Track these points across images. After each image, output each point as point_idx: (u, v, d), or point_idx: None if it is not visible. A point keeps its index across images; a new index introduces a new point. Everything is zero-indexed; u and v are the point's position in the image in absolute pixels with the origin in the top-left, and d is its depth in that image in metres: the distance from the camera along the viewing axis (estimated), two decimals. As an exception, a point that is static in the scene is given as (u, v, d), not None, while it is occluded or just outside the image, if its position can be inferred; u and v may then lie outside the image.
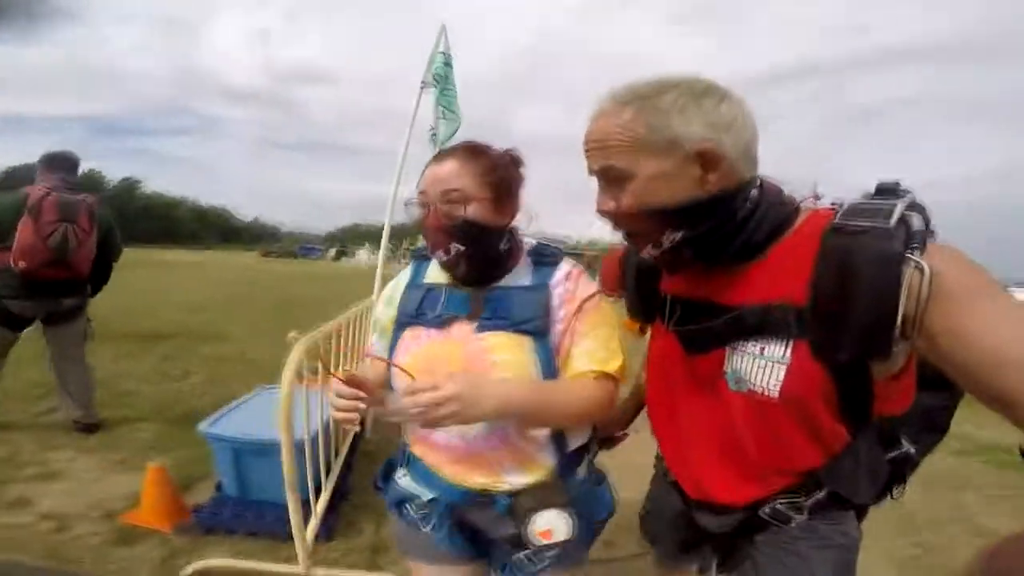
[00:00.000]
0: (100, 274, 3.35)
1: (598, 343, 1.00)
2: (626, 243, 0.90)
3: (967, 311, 0.63)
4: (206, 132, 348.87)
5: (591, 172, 0.82)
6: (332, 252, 67.21)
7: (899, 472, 0.87)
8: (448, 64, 3.77)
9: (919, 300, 0.64)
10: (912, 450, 0.83)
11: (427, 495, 1.06)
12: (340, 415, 0.95)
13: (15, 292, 2.98)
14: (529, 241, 1.10)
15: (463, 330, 1.01)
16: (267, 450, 2.08)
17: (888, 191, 0.73)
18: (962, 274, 0.65)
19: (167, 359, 5.35)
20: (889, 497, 0.91)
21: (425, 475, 1.07)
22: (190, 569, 1.95)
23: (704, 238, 0.78)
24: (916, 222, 0.67)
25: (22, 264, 2.89)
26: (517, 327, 0.98)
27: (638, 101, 0.75)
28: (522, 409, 0.93)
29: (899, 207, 0.68)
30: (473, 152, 1.01)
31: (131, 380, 4.50)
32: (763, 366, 0.77)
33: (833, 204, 0.79)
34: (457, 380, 0.86)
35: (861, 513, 0.91)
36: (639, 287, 1.01)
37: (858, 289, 0.67)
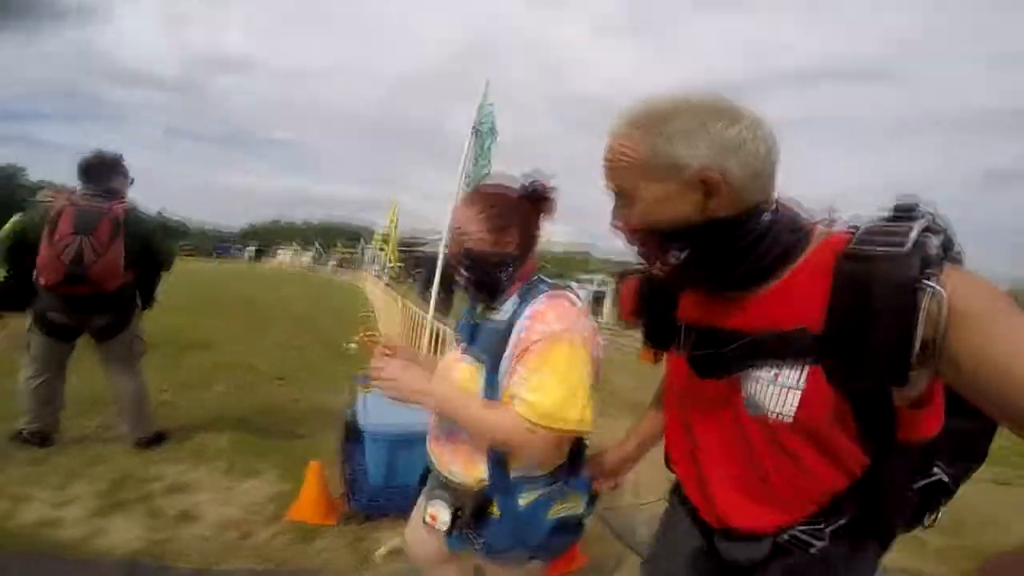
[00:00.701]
0: (145, 286, 3.21)
1: (528, 385, 1.09)
2: (641, 264, 0.91)
3: (986, 335, 0.63)
4: (106, 119, 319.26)
5: (606, 188, 0.86)
6: (250, 251, 63.57)
7: (931, 500, 0.87)
8: (494, 116, 4.36)
9: (937, 326, 0.64)
10: (945, 477, 0.84)
11: (427, 457, 1.34)
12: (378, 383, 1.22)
13: (50, 305, 2.94)
14: (539, 277, 1.26)
15: (458, 353, 1.28)
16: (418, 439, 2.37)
17: (905, 212, 0.73)
18: (979, 297, 0.65)
19: (163, 368, 4.86)
20: (921, 526, 0.91)
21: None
22: (384, 550, 2.27)
23: (710, 260, 0.80)
24: (932, 245, 0.67)
25: (42, 280, 2.82)
26: (475, 358, 1.21)
27: (647, 124, 0.78)
28: (438, 406, 1.19)
29: (915, 230, 0.68)
30: (473, 195, 1.28)
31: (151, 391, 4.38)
32: (777, 392, 0.78)
33: (849, 227, 0.78)
34: (403, 367, 1.17)
35: (887, 541, 0.90)
36: (655, 314, 1.03)
37: (874, 316, 0.67)
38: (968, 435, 0.86)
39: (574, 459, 1.26)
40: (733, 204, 0.77)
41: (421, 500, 1.37)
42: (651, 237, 0.81)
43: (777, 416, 0.78)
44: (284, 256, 59.20)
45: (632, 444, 1.27)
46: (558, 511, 1.20)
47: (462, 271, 1.24)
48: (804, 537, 0.83)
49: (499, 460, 1.17)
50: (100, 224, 2.87)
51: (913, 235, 0.67)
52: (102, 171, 3.06)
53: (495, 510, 1.17)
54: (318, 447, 3.42)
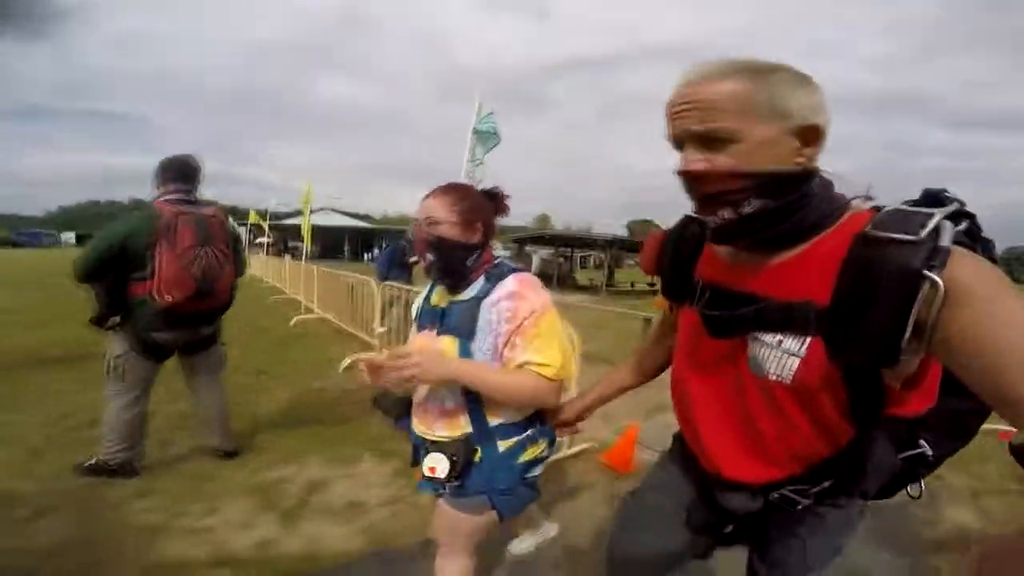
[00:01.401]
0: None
1: (534, 351, 1.29)
2: (696, 210, 0.88)
3: (979, 316, 0.64)
4: None
5: (679, 133, 0.83)
6: (69, 237, 54.59)
7: (912, 471, 0.90)
8: (494, 122, 5.05)
9: (931, 310, 0.65)
10: (929, 451, 0.86)
11: (412, 436, 1.49)
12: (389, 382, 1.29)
13: (156, 324, 2.63)
14: (501, 261, 1.43)
15: (431, 334, 1.42)
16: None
17: (933, 198, 0.75)
18: (979, 282, 0.66)
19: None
20: (906, 494, 0.95)
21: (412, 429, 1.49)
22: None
23: (778, 211, 0.81)
24: (946, 234, 0.67)
25: (169, 298, 2.53)
26: (451, 332, 1.36)
27: (751, 73, 0.78)
28: (464, 380, 1.29)
29: (935, 218, 0.68)
30: (447, 188, 1.39)
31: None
32: (779, 356, 0.82)
33: (874, 207, 0.80)
34: (423, 353, 1.26)
35: (867, 500, 0.98)
36: (675, 269, 1.06)
37: (874, 300, 0.69)
38: (959, 415, 0.87)
39: (540, 409, 1.44)
40: (813, 159, 0.81)
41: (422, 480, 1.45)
42: (738, 180, 0.80)
43: (776, 378, 0.83)
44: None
45: (590, 398, 1.41)
46: (529, 454, 1.39)
47: (430, 256, 1.36)
48: (791, 496, 0.91)
49: (480, 413, 1.35)
50: (216, 232, 2.69)
51: (931, 224, 0.68)
52: (196, 173, 2.77)
53: (478, 456, 1.35)
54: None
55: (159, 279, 2.51)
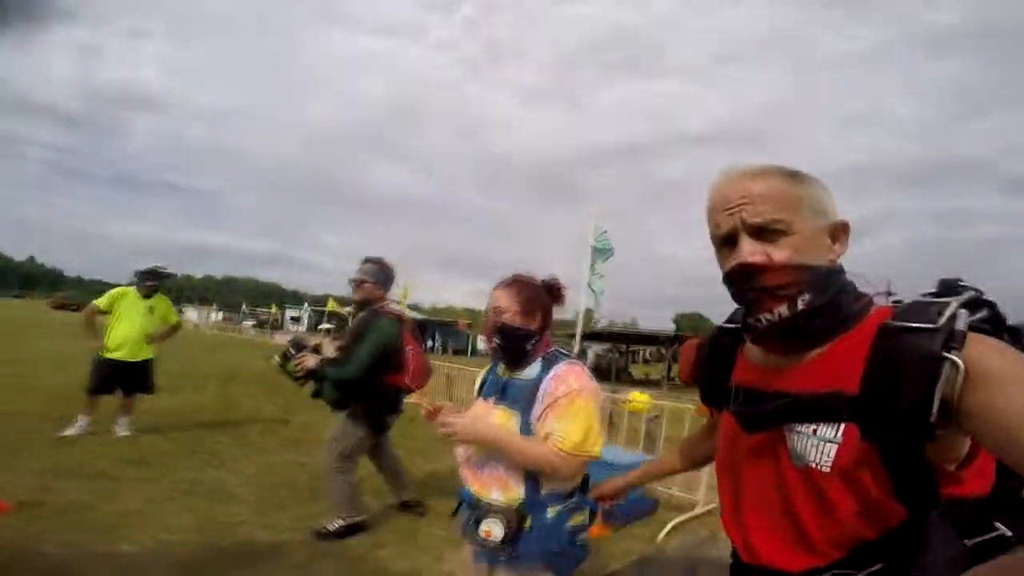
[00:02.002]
0: None
1: (560, 426, 1.47)
2: (748, 307, 0.90)
3: (1000, 392, 0.67)
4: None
5: (736, 226, 0.87)
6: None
7: (988, 555, 0.85)
8: (608, 239, 5.93)
9: (955, 390, 0.69)
10: (1009, 533, 0.83)
11: (462, 495, 1.65)
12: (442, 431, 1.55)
13: (393, 408, 3.33)
14: (556, 349, 1.65)
15: (490, 403, 1.62)
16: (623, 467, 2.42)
17: (948, 287, 0.80)
18: (997, 361, 0.70)
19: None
20: None
21: (463, 483, 1.64)
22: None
23: (823, 308, 0.85)
24: (961, 320, 0.72)
25: (415, 386, 3.17)
26: (509, 405, 1.56)
27: (788, 173, 0.87)
28: (494, 442, 1.49)
29: (952, 306, 0.73)
30: (511, 281, 1.63)
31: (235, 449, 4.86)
32: (816, 444, 0.84)
33: (894, 302, 0.86)
34: (464, 416, 1.51)
35: None
36: (711, 377, 1.10)
37: (900, 382, 0.73)
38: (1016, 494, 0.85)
39: (583, 482, 1.62)
40: (841, 255, 0.89)
41: (464, 546, 1.67)
42: (795, 273, 0.84)
43: (817, 466, 0.83)
44: (191, 314, 55.09)
45: (632, 476, 1.52)
46: (574, 521, 1.54)
47: (496, 340, 1.60)
48: None
49: (534, 482, 1.50)
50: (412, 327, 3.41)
51: (948, 312, 0.72)
52: (395, 277, 3.47)
53: (528, 524, 1.48)
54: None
55: (411, 371, 3.20)
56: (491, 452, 1.52)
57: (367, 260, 3.38)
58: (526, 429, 1.51)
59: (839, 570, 0.86)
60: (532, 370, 1.58)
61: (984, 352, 0.71)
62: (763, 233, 0.85)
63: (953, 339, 0.71)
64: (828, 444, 0.83)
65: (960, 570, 0.83)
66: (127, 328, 5.07)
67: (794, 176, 0.87)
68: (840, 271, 0.89)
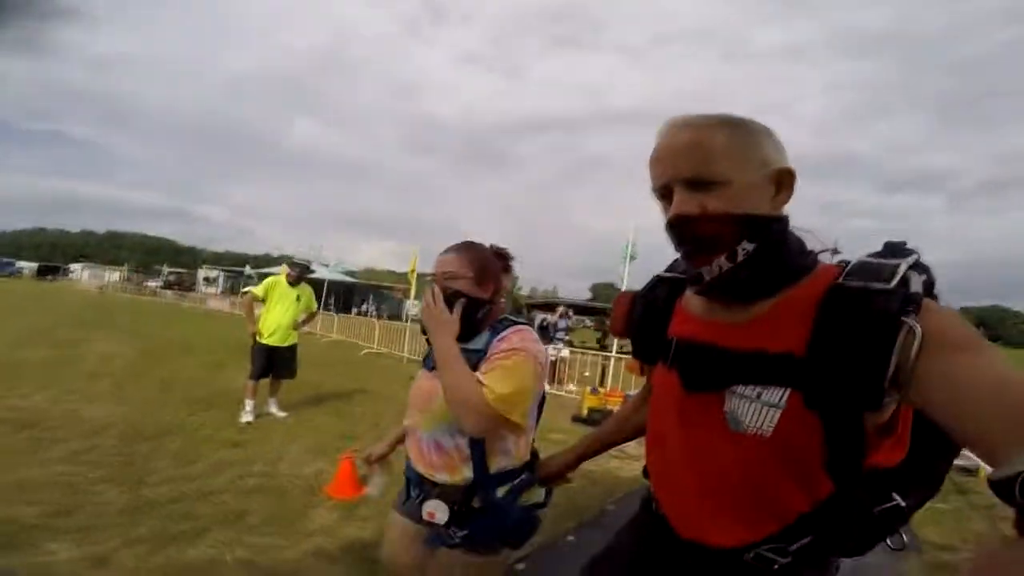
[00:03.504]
0: None
1: (491, 377, 1.33)
2: (688, 260, 0.90)
3: (952, 362, 0.68)
4: None
5: (670, 180, 0.86)
6: (31, 267, 52.28)
7: (889, 525, 0.90)
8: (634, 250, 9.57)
9: (909, 356, 0.69)
10: (903, 503, 0.86)
11: (406, 471, 1.57)
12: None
13: None
14: (505, 316, 1.54)
15: (434, 375, 1.46)
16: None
17: (895, 249, 0.80)
18: (950, 331, 0.70)
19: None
20: (887, 547, 0.94)
21: (408, 462, 1.56)
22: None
23: (765, 257, 0.83)
24: (915, 283, 0.73)
25: None
26: None
27: (732, 123, 0.85)
28: (441, 349, 1.37)
29: (902, 267, 0.74)
30: (464, 246, 1.52)
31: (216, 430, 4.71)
32: (759, 409, 0.82)
33: (841, 262, 0.85)
34: (445, 313, 1.40)
35: (845, 557, 0.95)
36: (646, 330, 1.07)
37: (854, 345, 0.72)
38: (926, 466, 0.88)
39: (534, 458, 1.53)
40: (785, 204, 0.87)
41: (394, 515, 1.61)
42: (730, 223, 0.82)
43: (756, 431, 0.82)
44: (78, 274, 49.85)
45: (574, 453, 1.45)
46: (526, 499, 1.46)
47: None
48: (768, 555, 0.87)
49: (481, 460, 1.41)
50: None
51: (900, 272, 0.73)
52: None
53: (476, 503, 1.41)
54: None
55: None
56: (438, 427, 1.44)
57: None
58: None
59: (771, 544, 0.86)
60: (480, 339, 1.48)
61: (942, 319, 0.71)
62: (698, 184, 0.83)
63: (909, 301, 0.71)
64: (772, 409, 0.81)
65: (868, 539, 0.91)
66: (279, 315, 5.47)
67: (732, 124, 0.85)
68: (783, 220, 0.87)
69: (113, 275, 47.40)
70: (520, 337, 1.45)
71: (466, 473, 1.43)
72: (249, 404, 5.34)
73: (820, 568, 0.93)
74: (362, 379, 8.77)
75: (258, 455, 4.19)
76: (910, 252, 0.79)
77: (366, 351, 12.95)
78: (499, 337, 1.45)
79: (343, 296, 43.73)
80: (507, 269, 1.64)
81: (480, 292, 1.49)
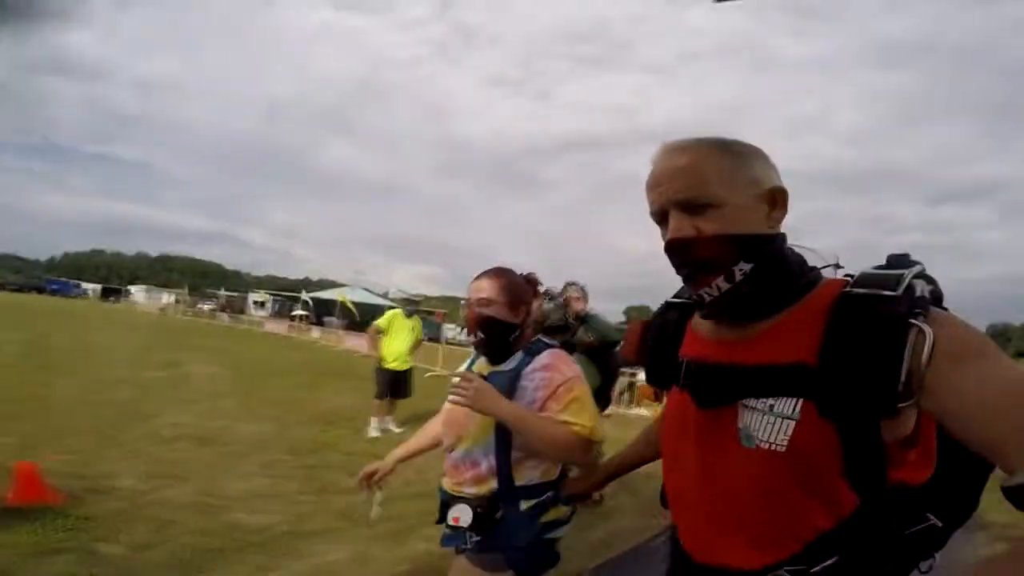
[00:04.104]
0: None
1: (570, 414, 1.41)
2: (688, 282, 0.90)
3: (965, 369, 0.68)
4: None
5: (665, 203, 0.87)
6: (95, 289, 55.13)
7: (923, 547, 0.87)
8: None
9: (921, 360, 0.68)
10: (939, 523, 0.84)
11: (440, 494, 1.60)
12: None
13: None
14: (538, 339, 1.59)
15: None
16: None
17: (898, 262, 0.81)
18: (961, 337, 0.71)
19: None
20: (918, 571, 0.90)
21: (442, 486, 1.60)
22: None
23: (763, 275, 0.83)
24: (920, 290, 0.73)
25: None
26: None
27: (720, 145, 0.86)
28: (508, 418, 1.39)
29: (907, 276, 0.74)
30: (496, 272, 1.58)
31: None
32: (772, 422, 0.80)
33: (847, 275, 0.85)
34: (482, 385, 1.42)
35: None
36: (659, 355, 1.06)
37: (865, 350, 0.72)
38: (959, 485, 0.86)
39: (563, 475, 1.55)
40: (780, 222, 0.87)
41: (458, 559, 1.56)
42: (726, 244, 0.83)
43: (769, 446, 0.79)
44: (139, 296, 52.51)
45: (603, 472, 1.44)
46: (551, 515, 1.48)
47: (479, 333, 1.54)
48: None
49: (507, 473, 1.45)
50: None
51: (906, 280, 0.74)
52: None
53: (500, 514, 1.45)
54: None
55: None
56: (476, 446, 1.50)
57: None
58: (501, 427, 1.46)
59: (793, 566, 0.82)
60: (512, 360, 1.54)
61: (951, 326, 0.71)
62: (692, 207, 0.84)
63: (916, 305, 0.71)
64: (785, 421, 0.79)
65: (901, 563, 0.87)
66: (399, 343, 6.13)
67: (722, 146, 0.86)
68: (780, 238, 0.87)
69: (169, 297, 49.66)
70: (566, 363, 1.52)
71: (492, 485, 1.48)
72: (375, 421, 5.94)
73: None
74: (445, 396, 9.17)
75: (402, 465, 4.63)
76: (914, 263, 0.80)
77: (429, 374, 13.40)
78: (540, 362, 1.50)
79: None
80: (536, 294, 1.71)
81: (512, 317, 1.55)
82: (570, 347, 3.55)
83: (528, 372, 1.48)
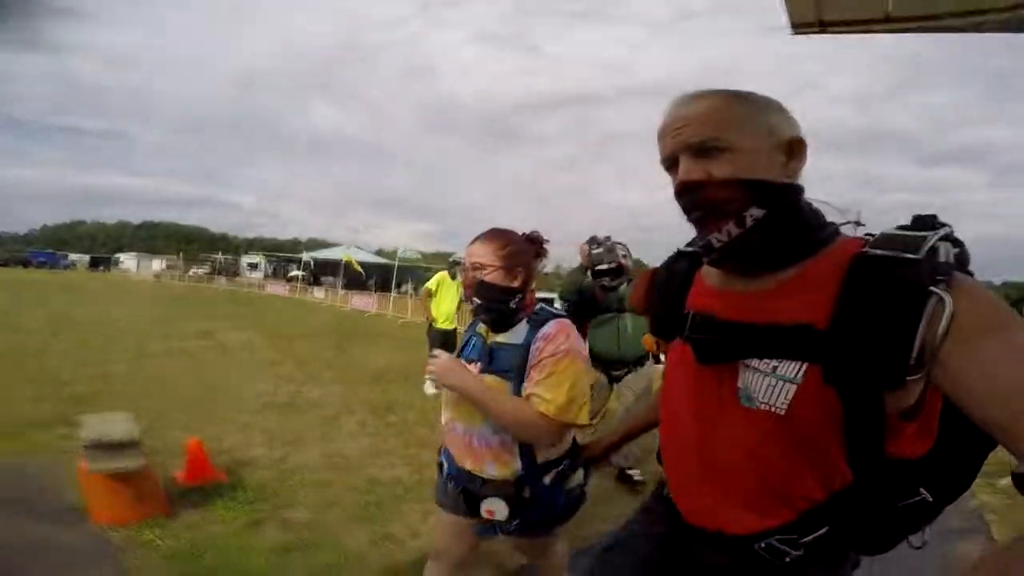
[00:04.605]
0: None
1: (544, 388, 1.40)
2: (698, 227, 0.88)
3: (983, 343, 0.64)
4: None
5: (675, 148, 0.85)
6: (82, 260, 54.26)
7: (913, 521, 0.84)
8: None
9: (937, 331, 0.65)
10: (930, 498, 0.79)
11: (447, 469, 1.60)
12: None
13: None
14: (542, 307, 1.56)
15: (475, 370, 1.52)
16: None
17: (924, 222, 0.75)
18: (982, 308, 0.67)
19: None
20: (907, 544, 0.88)
21: (448, 455, 1.61)
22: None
23: (776, 224, 0.81)
24: (943, 254, 0.70)
25: None
26: (500, 373, 1.48)
27: (735, 94, 0.85)
28: (469, 395, 1.43)
29: (930, 239, 0.70)
30: (491, 234, 1.54)
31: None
32: (773, 384, 0.78)
33: (865, 235, 0.81)
34: (451, 362, 1.46)
35: (861, 556, 0.90)
36: (665, 305, 1.03)
37: (880, 316, 0.68)
38: (956, 459, 0.80)
39: (575, 443, 1.60)
40: (798, 173, 0.85)
41: (440, 513, 1.67)
42: (737, 189, 0.81)
43: (768, 407, 0.78)
44: (128, 264, 51.87)
45: (618, 434, 1.48)
46: (570, 482, 1.53)
47: (476, 299, 1.53)
48: (779, 547, 0.83)
49: (530, 452, 1.46)
50: None
51: (928, 243, 0.70)
52: None
53: (526, 493, 1.48)
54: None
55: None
56: (478, 422, 1.49)
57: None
58: (518, 396, 1.45)
59: (783, 535, 0.82)
60: (519, 332, 1.51)
61: (973, 295, 0.68)
62: (704, 152, 0.83)
63: (938, 271, 0.68)
64: (787, 384, 0.77)
65: (890, 536, 0.84)
66: (447, 304, 6.50)
67: (737, 96, 0.85)
68: (796, 188, 0.85)
69: (160, 264, 49.11)
70: (565, 335, 1.47)
71: (515, 465, 1.48)
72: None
73: (836, 563, 0.88)
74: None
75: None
76: (941, 225, 0.75)
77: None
78: (543, 332, 1.47)
79: (381, 277, 44.84)
80: (539, 254, 1.64)
81: (509, 281, 1.51)
82: (620, 301, 3.46)
83: (533, 345, 1.47)
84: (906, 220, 0.79)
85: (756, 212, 0.81)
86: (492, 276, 1.50)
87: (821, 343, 0.74)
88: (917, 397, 0.71)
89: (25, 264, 48.85)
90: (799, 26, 2.38)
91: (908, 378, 0.68)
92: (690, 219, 0.88)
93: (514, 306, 1.52)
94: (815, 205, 0.87)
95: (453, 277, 6.57)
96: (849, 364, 0.72)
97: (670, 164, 0.88)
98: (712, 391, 0.87)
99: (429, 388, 6.19)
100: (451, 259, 7.09)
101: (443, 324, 6.44)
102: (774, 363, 0.79)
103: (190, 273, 42.99)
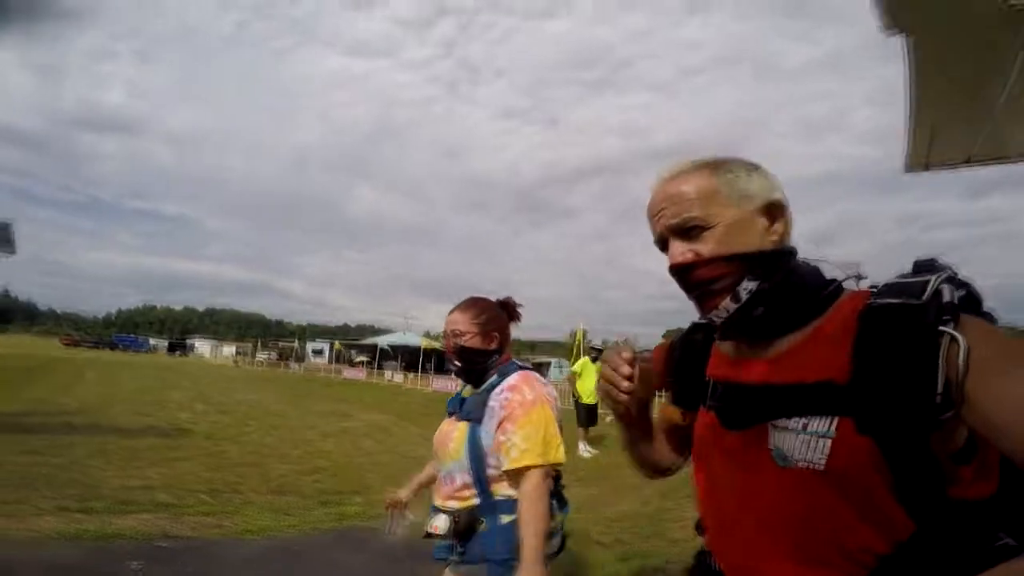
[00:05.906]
0: None
1: (522, 437, 1.48)
2: (698, 306, 0.89)
3: (1006, 377, 0.65)
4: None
5: (663, 231, 0.88)
6: (161, 344, 58.10)
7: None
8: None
9: (958, 368, 0.65)
10: (1011, 542, 0.74)
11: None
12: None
13: None
14: (512, 361, 1.70)
15: (452, 420, 1.70)
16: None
17: (924, 267, 0.76)
18: (996, 343, 0.67)
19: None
20: None
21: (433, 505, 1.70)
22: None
23: (773, 292, 0.82)
24: (947, 295, 0.69)
25: None
26: (464, 417, 1.63)
27: (710, 166, 0.87)
28: (537, 556, 1.40)
29: (932, 282, 0.71)
30: (468, 303, 1.71)
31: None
32: (807, 440, 0.76)
33: (871, 286, 0.81)
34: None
35: None
36: (685, 376, 1.05)
37: (896, 363, 0.69)
38: None
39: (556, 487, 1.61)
40: (786, 234, 0.86)
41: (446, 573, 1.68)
42: (725, 265, 0.82)
43: (807, 464, 0.75)
44: (204, 349, 55.44)
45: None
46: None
47: (456, 362, 1.69)
48: None
49: (485, 486, 1.55)
50: None
51: (931, 287, 0.70)
52: None
53: (483, 527, 1.54)
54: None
55: None
56: (454, 463, 1.60)
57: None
58: (473, 439, 1.56)
59: None
60: (489, 383, 1.64)
61: (988, 332, 0.68)
62: (686, 231, 0.85)
63: (944, 311, 0.68)
64: (821, 439, 0.75)
65: None
66: (589, 383, 8.13)
67: (710, 166, 0.86)
68: (786, 252, 0.85)
69: (229, 349, 52.19)
70: (529, 385, 1.59)
71: (473, 501, 1.57)
72: (582, 444, 7.94)
73: None
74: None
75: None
76: (941, 268, 0.74)
77: (610, 419, 14.63)
78: (507, 383, 1.60)
79: (436, 361, 46.05)
80: (513, 317, 1.78)
81: (486, 344, 1.67)
82: None
83: (496, 393, 1.59)
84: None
85: (749, 285, 0.82)
86: (471, 341, 1.66)
87: (845, 396, 0.74)
88: (966, 438, 0.70)
89: (112, 347, 52.76)
90: (913, 167, 2.74)
91: (941, 417, 0.67)
92: (690, 298, 0.90)
93: (490, 366, 1.68)
94: (813, 263, 0.88)
95: (594, 361, 8.13)
96: (878, 413, 0.71)
97: (662, 246, 0.91)
98: (744, 455, 0.86)
99: (584, 452, 7.70)
100: (591, 345, 8.64)
101: (587, 399, 8.04)
102: (804, 420, 0.77)
103: (258, 358, 45.57)
